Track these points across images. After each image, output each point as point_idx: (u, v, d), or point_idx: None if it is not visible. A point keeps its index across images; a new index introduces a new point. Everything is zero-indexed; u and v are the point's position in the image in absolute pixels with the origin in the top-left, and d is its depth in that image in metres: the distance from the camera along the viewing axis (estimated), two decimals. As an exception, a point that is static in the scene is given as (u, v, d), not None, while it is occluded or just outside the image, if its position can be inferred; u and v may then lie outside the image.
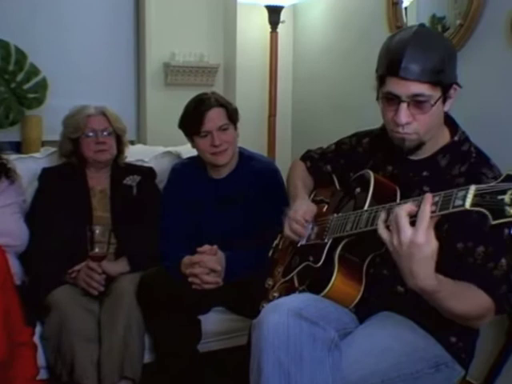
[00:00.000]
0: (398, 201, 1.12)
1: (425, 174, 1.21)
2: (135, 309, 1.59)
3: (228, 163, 1.75)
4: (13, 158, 1.86)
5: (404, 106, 1.11)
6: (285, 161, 2.34)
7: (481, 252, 1.08)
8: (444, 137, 1.22)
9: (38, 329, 1.56)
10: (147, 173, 1.93)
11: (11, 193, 1.73)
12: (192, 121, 1.71)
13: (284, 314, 1.07)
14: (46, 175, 1.84)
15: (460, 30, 1.68)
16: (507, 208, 0.81)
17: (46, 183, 1.82)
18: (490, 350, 1.51)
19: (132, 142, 2.39)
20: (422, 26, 1.18)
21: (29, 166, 1.89)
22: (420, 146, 1.18)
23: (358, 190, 1.25)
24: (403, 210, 0.95)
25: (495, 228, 0.97)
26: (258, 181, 1.74)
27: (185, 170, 1.83)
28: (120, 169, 1.89)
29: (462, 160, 1.18)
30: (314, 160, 1.53)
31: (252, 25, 2.60)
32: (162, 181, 1.93)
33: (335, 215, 1.25)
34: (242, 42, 2.61)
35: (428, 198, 0.93)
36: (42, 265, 1.67)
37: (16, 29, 2.39)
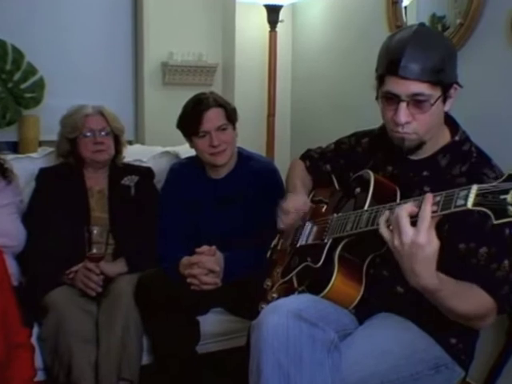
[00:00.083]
0: (398, 201, 1.12)
1: (425, 173, 1.21)
2: (133, 310, 1.58)
3: (227, 163, 1.75)
4: (10, 158, 1.85)
5: (403, 105, 1.11)
6: (284, 161, 2.33)
7: (484, 253, 1.08)
8: (444, 136, 1.21)
9: (35, 330, 1.56)
10: (145, 173, 1.92)
11: (8, 193, 1.72)
12: (190, 121, 1.71)
13: (283, 316, 1.07)
14: (43, 175, 1.84)
15: (460, 30, 1.67)
16: (510, 208, 0.81)
17: (43, 183, 1.82)
18: (490, 351, 1.51)
19: (130, 142, 2.38)
20: (421, 25, 1.18)
21: (26, 166, 1.89)
22: (420, 145, 1.17)
23: (357, 189, 1.24)
24: (404, 210, 0.94)
25: (496, 228, 0.98)
26: (256, 181, 1.74)
27: (183, 170, 1.82)
28: (118, 169, 1.88)
29: (463, 160, 1.18)
30: (314, 159, 1.53)
31: (251, 24, 2.59)
32: (160, 181, 1.92)
33: (335, 215, 1.25)
34: (241, 41, 2.61)
35: (429, 198, 0.92)
36: (39, 265, 1.66)
37: (13, 28, 2.38)
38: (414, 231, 0.92)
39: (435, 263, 0.94)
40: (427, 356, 1.16)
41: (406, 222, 0.94)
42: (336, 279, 1.15)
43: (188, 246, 1.67)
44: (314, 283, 1.21)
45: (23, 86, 2.33)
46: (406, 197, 1.10)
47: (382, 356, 1.11)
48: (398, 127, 1.14)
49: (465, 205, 0.86)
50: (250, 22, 2.59)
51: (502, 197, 0.82)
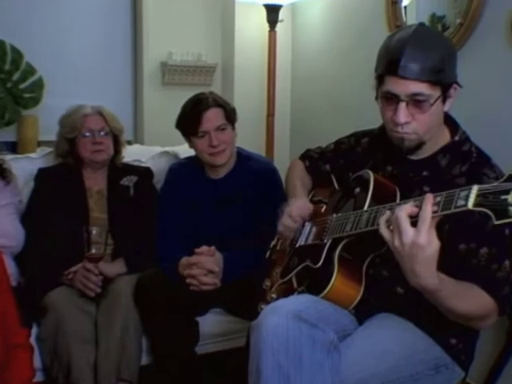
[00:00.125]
0: (397, 201, 1.11)
1: (425, 174, 1.20)
2: (132, 310, 1.58)
3: (226, 163, 1.75)
4: (8, 158, 1.85)
5: (403, 105, 1.11)
6: (283, 161, 2.33)
7: (484, 253, 1.08)
8: (444, 136, 1.21)
9: (34, 330, 1.56)
10: (144, 173, 1.92)
11: (7, 193, 1.72)
12: (189, 121, 1.70)
13: (283, 316, 1.07)
14: (42, 176, 1.83)
15: (460, 29, 1.67)
16: (510, 208, 0.81)
17: (42, 184, 1.81)
18: (490, 352, 1.51)
19: (129, 142, 2.37)
20: (421, 24, 1.17)
21: (25, 167, 1.88)
22: (420, 145, 1.17)
23: (357, 190, 1.24)
24: (403, 211, 0.94)
25: (497, 228, 0.98)
26: (256, 181, 1.74)
27: (182, 170, 1.82)
28: (117, 169, 1.88)
29: (463, 160, 1.18)
30: (313, 159, 1.53)
31: (250, 24, 2.58)
32: (159, 181, 1.92)
33: (334, 215, 1.24)
34: (240, 41, 2.60)
35: (429, 199, 0.92)
36: (38, 266, 1.66)
37: (12, 28, 2.37)
38: (415, 232, 0.92)
39: (435, 263, 0.94)
40: (427, 356, 1.16)
41: (405, 222, 0.93)
42: (336, 280, 1.15)
43: (187, 246, 1.67)
44: (314, 284, 1.20)
45: (22, 85, 2.32)
46: (405, 197, 1.10)
47: (382, 356, 1.11)
48: (398, 127, 1.14)
49: (465, 205, 0.86)
50: (250, 21, 2.58)
51: (503, 197, 0.81)
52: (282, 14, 2.46)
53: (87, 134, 1.78)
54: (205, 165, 1.78)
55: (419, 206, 0.93)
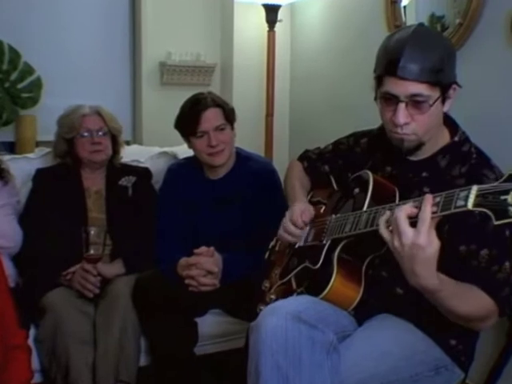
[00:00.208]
0: (397, 202, 1.11)
1: (424, 174, 1.20)
2: (131, 311, 1.58)
3: (225, 164, 1.74)
4: (6, 159, 1.84)
5: (402, 106, 1.11)
6: (282, 161, 2.33)
7: (485, 255, 1.08)
8: (444, 137, 1.21)
9: (32, 331, 1.55)
10: (143, 173, 1.91)
11: (4, 194, 1.71)
12: (188, 121, 1.70)
13: (282, 317, 1.06)
14: (40, 176, 1.83)
15: (459, 29, 1.67)
16: (510, 208, 0.80)
17: (40, 184, 1.81)
18: (490, 353, 1.50)
19: (127, 143, 2.37)
20: (420, 25, 1.17)
21: (23, 167, 1.88)
22: (419, 146, 1.17)
23: (356, 190, 1.24)
24: (402, 211, 0.94)
25: (497, 229, 0.97)
26: (255, 181, 1.73)
27: (181, 171, 1.82)
28: (115, 169, 1.87)
29: (463, 161, 1.17)
30: (312, 160, 1.52)
31: (249, 24, 2.58)
32: (157, 181, 1.91)
33: (334, 216, 1.24)
34: (239, 41, 2.60)
35: (428, 199, 0.92)
36: (36, 267, 1.66)
37: (9, 27, 2.36)
38: (415, 232, 0.92)
39: (435, 264, 0.94)
40: (427, 357, 1.15)
41: (405, 223, 0.93)
42: (335, 280, 1.15)
43: (186, 246, 1.66)
44: (313, 284, 1.20)
45: (20, 85, 2.31)
46: (405, 198, 1.09)
47: (382, 357, 1.11)
48: (397, 128, 1.14)
49: (465, 205, 0.86)
50: (249, 21, 2.58)
51: (503, 197, 0.81)
52: (280, 14, 2.45)
53: (85, 134, 1.78)
54: (204, 165, 1.77)
55: (418, 207, 0.93)
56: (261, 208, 1.66)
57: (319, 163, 1.50)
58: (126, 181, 1.84)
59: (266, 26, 2.46)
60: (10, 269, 1.62)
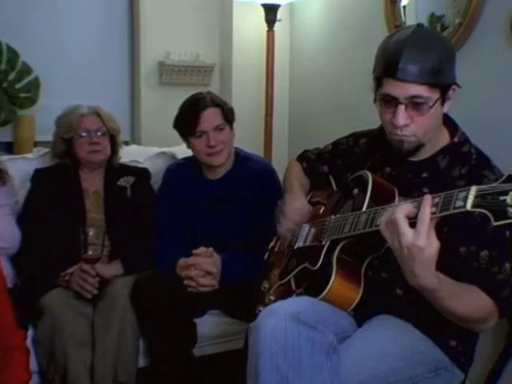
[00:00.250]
0: (396, 202, 1.11)
1: (424, 175, 1.20)
2: (129, 312, 1.57)
3: (224, 164, 1.74)
4: (4, 159, 1.84)
5: (402, 108, 1.10)
6: (281, 161, 2.32)
7: (485, 256, 1.08)
8: (443, 138, 1.20)
9: (30, 332, 1.54)
10: (142, 174, 1.91)
11: (3, 194, 1.71)
12: (187, 121, 1.69)
13: (281, 318, 1.06)
14: (38, 176, 1.82)
15: (459, 29, 1.66)
16: (509, 209, 0.80)
17: (38, 184, 1.80)
18: (490, 354, 1.50)
19: (126, 143, 2.36)
20: (419, 25, 1.16)
21: (21, 167, 1.87)
22: (419, 147, 1.17)
23: (355, 191, 1.23)
24: (401, 212, 0.94)
25: (497, 230, 0.97)
26: (254, 182, 1.73)
27: (180, 171, 1.81)
28: (114, 170, 1.87)
29: (463, 162, 1.17)
30: (311, 161, 1.52)
31: (248, 23, 2.57)
32: (156, 182, 1.91)
33: (333, 217, 1.24)
34: (238, 40, 2.59)
35: (428, 200, 0.92)
36: (34, 267, 1.65)
37: (8, 27, 2.35)
38: (414, 233, 0.92)
39: (434, 263, 0.94)
40: (427, 358, 1.15)
41: (404, 223, 0.93)
42: (334, 281, 1.14)
43: (185, 247, 1.66)
44: (312, 285, 1.20)
45: (18, 85, 2.30)
46: (404, 198, 1.09)
47: (381, 358, 1.10)
48: (397, 130, 1.13)
49: (464, 206, 0.85)
50: (248, 21, 2.57)
51: (502, 198, 0.81)
52: (280, 14, 2.45)
53: (84, 134, 1.77)
54: (202, 165, 1.77)
55: (417, 207, 0.93)
56: (260, 208, 1.66)
57: (318, 163, 1.49)
58: (125, 181, 1.84)
59: (265, 26, 2.46)
60: (7, 269, 1.61)
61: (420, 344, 1.16)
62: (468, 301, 1.04)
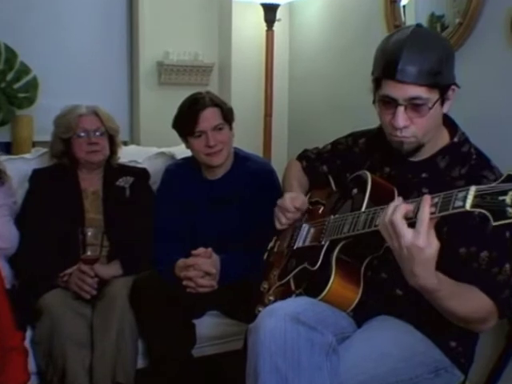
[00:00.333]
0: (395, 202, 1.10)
1: (424, 175, 1.20)
2: (128, 313, 1.57)
3: (223, 164, 1.73)
4: (3, 159, 1.83)
5: (401, 109, 1.10)
6: (281, 161, 2.32)
7: (485, 257, 1.07)
8: (443, 138, 1.20)
9: (28, 333, 1.54)
10: (140, 174, 1.90)
11: (1, 195, 1.70)
12: (186, 121, 1.69)
13: (281, 319, 1.05)
14: (36, 176, 1.82)
15: (459, 29, 1.66)
16: (508, 209, 0.80)
17: (36, 185, 1.79)
18: (490, 355, 1.50)
19: (125, 143, 2.36)
20: (418, 25, 1.16)
21: (19, 167, 1.87)
22: (419, 148, 1.17)
23: (355, 190, 1.23)
24: (398, 213, 0.93)
25: (497, 231, 0.97)
26: (253, 182, 1.72)
27: (179, 171, 1.81)
28: (113, 170, 1.86)
29: (462, 162, 1.17)
30: (311, 160, 1.52)
31: (247, 23, 2.57)
32: (155, 182, 1.90)
33: (332, 217, 1.23)
34: (238, 40, 2.59)
35: (427, 200, 0.92)
36: (32, 268, 1.65)
37: (6, 27, 2.35)
38: (414, 233, 0.91)
39: (434, 263, 0.94)
40: (427, 359, 1.15)
41: (402, 224, 0.93)
42: (334, 282, 1.14)
43: (184, 247, 1.65)
44: (312, 286, 1.19)
45: (16, 85, 2.30)
46: (404, 198, 1.08)
47: (381, 359, 1.10)
48: (397, 131, 1.13)
49: (463, 206, 0.85)
50: (247, 21, 2.57)
51: (501, 198, 0.81)
52: (279, 14, 2.44)
53: (82, 134, 1.77)
54: (201, 165, 1.77)
55: (416, 207, 0.93)
56: (259, 208, 1.65)
57: (318, 163, 1.49)
58: (124, 181, 1.83)
59: (264, 26, 2.45)
60: (6, 270, 1.61)
61: (420, 345, 1.16)
62: (468, 301, 1.04)
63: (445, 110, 1.15)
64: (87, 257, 1.65)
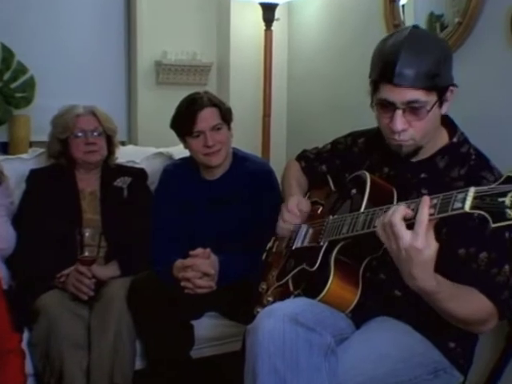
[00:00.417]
0: (394, 203, 1.10)
1: (423, 175, 1.19)
2: (126, 314, 1.56)
3: (221, 164, 1.73)
4: (0, 159, 1.83)
5: (399, 113, 1.10)
6: (279, 161, 2.31)
7: (484, 258, 1.07)
8: (442, 138, 1.20)
9: (25, 335, 1.53)
10: (138, 174, 1.90)
11: (-2, 195, 1.70)
12: (184, 121, 1.68)
13: (279, 320, 1.05)
14: (33, 177, 1.81)
15: (458, 29, 1.65)
16: (508, 211, 0.80)
17: (33, 185, 1.79)
18: (489, 356, 1.50)
19: (123, 143, 2.35)
20: (415, 27, 1.16)
21: (16, 167, 1.86)
22: (417, 150, 1.17)
23: (353, 191, 1.23)
24: (397, 214, 0.93)
25: (496, 232, 0.96)
26: (252, 182, 1.72)
27: (177, 171, 1.80)
28: (110, 170, 1.86)
29: (462, 162, 1.17)
30: (309, 160, 1.52)
31: (246, 22, 2.56)
32: (153, 182, 1.90)
33: (331, 217, 1.23)
34: (236, 40, 2.58)
35: (426, 201, 0.91)
36: (29, 269, 1.64)
37: (3, 26, 2.33)
38: (412, 235, 0.91)
39: (433, 265, 0.93)
40: (426, 360, 1.15)
41: (401, 226, 0.92)
42: (332, 283, 1.14)
43: (182, 248, 1.65)
44: (310, 287, 1.19)
45: (13, 85, 2.29)
46: (403, 199, 1.08)
47: (380, 360, 1.10)
48: (395, 135, 1.13)
49: (462, 208, 0.85)
50: (245, 20, 2.56)
51: (500, 199, 0.80)
52: (278, 13, 2.44)
53: (80, 134, 1.76)
54: (200, 165, 1.76)
55: (414, 209, 0.92)
56: (258, 209, 1.65)
57: (317, 163, 1.49)
58: (122, 182, 1.83)
59: (262, 25, 2.44)
60: (2, 271, 1.60)
61: (419, 346, 1.15)
62: (467, 303, 1.04)
63: (443, 111, 1.15)
64: (85, 257, 1.65)
